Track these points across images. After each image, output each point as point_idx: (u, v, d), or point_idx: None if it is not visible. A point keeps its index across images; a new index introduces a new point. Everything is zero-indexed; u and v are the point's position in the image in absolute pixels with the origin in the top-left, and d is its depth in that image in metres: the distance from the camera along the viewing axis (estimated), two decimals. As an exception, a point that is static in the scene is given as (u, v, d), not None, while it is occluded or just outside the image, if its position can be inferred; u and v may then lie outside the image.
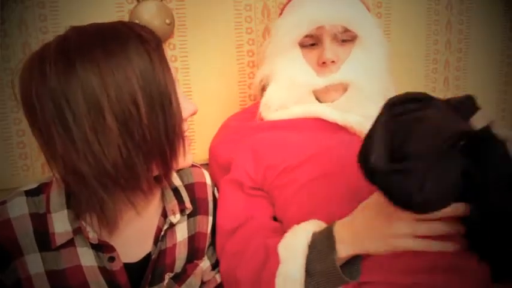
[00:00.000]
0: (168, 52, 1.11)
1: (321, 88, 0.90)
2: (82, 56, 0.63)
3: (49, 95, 0.63)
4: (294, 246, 0.74)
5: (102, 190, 0.67)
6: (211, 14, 1.14)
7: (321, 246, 0.72)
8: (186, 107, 0.73)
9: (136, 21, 1.05)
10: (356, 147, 0.84)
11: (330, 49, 0.88)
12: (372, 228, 0.67)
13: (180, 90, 0.72)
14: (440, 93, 1.42)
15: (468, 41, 1.42)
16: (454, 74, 1.43)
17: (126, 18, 1.06)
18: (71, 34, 0.67)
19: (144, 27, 0.70)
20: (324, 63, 0.89)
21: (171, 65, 0.71)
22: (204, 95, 1.17)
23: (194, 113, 0.75)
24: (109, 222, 0.72)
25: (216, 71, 1.17)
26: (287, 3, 0.98)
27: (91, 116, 0.63)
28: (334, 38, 0.89)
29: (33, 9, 1.01)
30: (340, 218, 0.76)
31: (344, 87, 0.90)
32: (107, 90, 0.63)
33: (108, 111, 0.63)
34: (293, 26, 0.89)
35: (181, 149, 0.71)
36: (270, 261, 0.76)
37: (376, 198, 0.69)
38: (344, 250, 0.70)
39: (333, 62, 0.89)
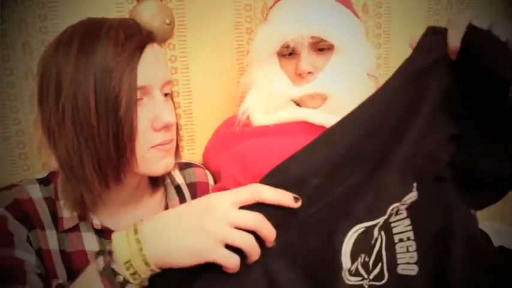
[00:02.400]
0: (168, 52, 1.12)
1: (296, 98, 0.90)
2: (65, 44, 0.68)
3: (41, 70, 0.70)
4: None
5: (65, 176, 0.71)
6: (211, 14, 1.14)
7: None
8: (160, 117, 0.70)
9: (136, 21, 1.05)
10: None
11: (305, 60, 0.88)
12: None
13: (158, 97, 0.71)
14: (440, 93, 1.42)
15: (468, 41, 1.42)
16: (454, 74, 1.43)
17: (126, 18, 1.06)
18: (79, 22, 0.72)
19: (129, 27, 0.70)
20: (300, 74, 0.89)
21: (157, 68, 0.71)
22: (204, 95, 1.17)
23: (168, 125, 0.71)
24: (89, 209, 0.75)
25: (216, 71, 1.17)
26: (270, 8, 0.99)
27: (56, 103, 0.67)
28: (312, 47, 0.89)
29: (33, 9, 1.01)
30: None
31: (322, 96, 0.90)
32: (70, 83, 0.66)
33: (65, 104, 0.66)
34: (266, 39, 0.90)
35: (133, 159, 0.69)
36: None
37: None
38: None
39: (309, 72, 0.89)
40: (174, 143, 0.75)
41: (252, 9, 1.18)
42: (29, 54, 1.01)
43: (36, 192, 0.76)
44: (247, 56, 1.19)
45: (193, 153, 1.18)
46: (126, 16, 1.06)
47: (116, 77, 0.66)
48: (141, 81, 0.68)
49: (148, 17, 1.06)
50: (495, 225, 0.86)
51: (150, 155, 0.71)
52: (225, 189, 0.87)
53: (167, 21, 1.08)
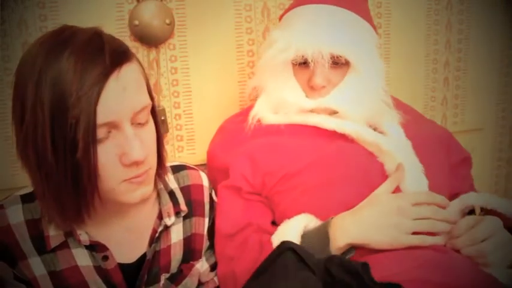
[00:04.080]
0: (168, 52, 1.12)
1: (308, 109, 0.90)
2: (31, 63, 0.63)
3: (14, 82, 0.65)
4: (287, 234, 0.77)
5: (39, 200, 0.69)
6: (211, 14, 1.14)
7: (314, 234, 0.77)
8: (128, 154, 0.64)
9: (136, 22, 1.05)
10: (355, 155, 0.85)
11: (319, 74, 0.87)
12: (381, 219, 0.74)
13: (126, 131, 0.64)
14: (440, 93, 1.42)
15: (468, 41, 1.42)
16: (454, 74, 1.43)
17: (126, 19, 1.06)
18: (48, 35, 0.66)
19: (91, 52, 0.62)
20: (312, 86, 0.89)
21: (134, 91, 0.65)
22: (204, 95, 1.17)
23: (135, 163, 0.65)
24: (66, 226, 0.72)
25: (216, 71, 1.17)
26: (286, 11, 0.97)
27: (20, 131, 0.64)
28: (326, 61, 0.87)
29: (33, 9, 1.01)
30: None
31: (334, 110, 0.90)
32: (30, 114, 0.61)
33: (27, 135, 0.63)
34: (283, 49, 0.88)
35: (96, 198, 0.66)
36: (265, 250, 0.78)
37: (387, 192, 0.78)
38: (341, 237, 0.75)
39: (323, 86, 0.88)
40: (151, 171, 0.71)
41: (252, 9, 1.18)
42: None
43: (16, 216, 0.72)
44: (247, 56, 1.19)
45: (193, 153, 1.18)
46: (126, 16, 1.06)
47: (73, 117, 0.59)
48: (104, 117, 0.61)
49: (148, 17, 1.06)
50: (495, 226, 0.86)
51: (122, 188, 0.67)
52: (234, 186, 0.88)
53: (167, 21, 1.08)
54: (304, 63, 0.89)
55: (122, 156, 0.65)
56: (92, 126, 0.61)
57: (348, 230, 0.75)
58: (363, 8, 0.94)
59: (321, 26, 0.87)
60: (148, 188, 0.71)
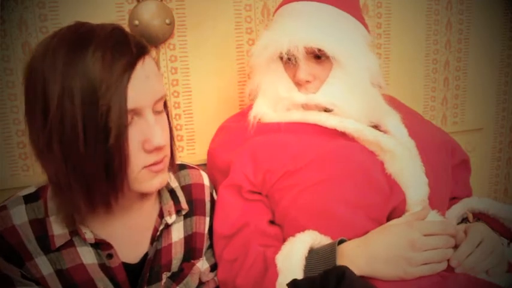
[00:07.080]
0: (168, 52, 1.12)
1: (300, 104, 0.91)
2: (51, 57, 0.63)
3: (28, 77, 0.66)
4: (291, 257, 0.76)
5: (54, 193, 0.70)
6: (211, 14, 1.14)
7: (320, 260, 0.75)
8: (151, 140, 0.67)
9: (136, 22, 1.05)
10: (356, 153, 0.86)
11: (303, 70, 0.88)
12: (391, 252, 0.73)
13: (149, 118, 0.67)
14: (441, 93, 1.42)
15: (468, 41, 1.42)
16: (454, 74, 1.43)
17: (126, 18, 1.06)
18: (66, 29, 0.67)
19: (118, 44, 0.65)
20: (297, 82, 0.89)
21: (147, 85, 0.67)
22: (204, 95, 1.17)
23: (157, 149, 0.68)
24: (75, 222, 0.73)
25: (216, 71, 1.17)
26: (274, 11, 0.98)
27: (43, 125, 0.64)
28: (309, 56, 0.88)
29: (33, 9, 1.01)
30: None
31: (324, 106, 0.90)
32: (56, 107, 0.62)
33: (52, 128, 0.63)
34: (264, 46, 0.90)
35: (125, 184, 0.67)
36: (269, 271, 0.78)
37: (400, 223, 0.76)
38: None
39: (307, 81, 0.89)
40: (167, 159, 0.72)
41: (252, 9, 1.18)
42: (29, 54, 1.01)
43: (20, 217, 0.73)
44: (247, 57, 1.19)
45: (193, 153, 1.19)
46: (126, 16, 1.06)
47: (104, 105, 0.61)
48: (131, 103, 0.64)
49: (148, 17, 1.06)
50: (495, 225, 0.86)
51: (142, 176, 0.69)
52: (235, 184, 0.89)
53: (167, 21, 1.08)
54: (289, 60, 0.89)
55: (144, 142, 0.67)
56: (123, 112, 0.63)
57: (356, 263, 0.73)
58: (349, 5, 0.94)
59: (298, 21, 0.88)
60: (165, 176, 0.73)
